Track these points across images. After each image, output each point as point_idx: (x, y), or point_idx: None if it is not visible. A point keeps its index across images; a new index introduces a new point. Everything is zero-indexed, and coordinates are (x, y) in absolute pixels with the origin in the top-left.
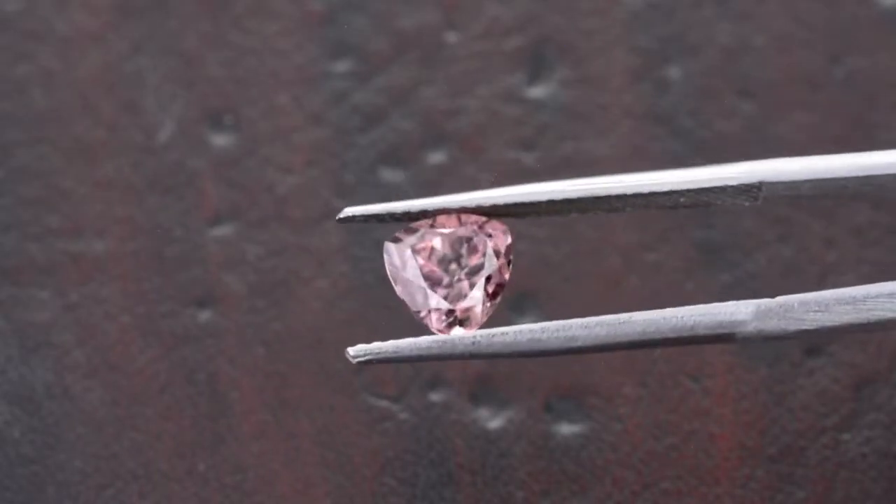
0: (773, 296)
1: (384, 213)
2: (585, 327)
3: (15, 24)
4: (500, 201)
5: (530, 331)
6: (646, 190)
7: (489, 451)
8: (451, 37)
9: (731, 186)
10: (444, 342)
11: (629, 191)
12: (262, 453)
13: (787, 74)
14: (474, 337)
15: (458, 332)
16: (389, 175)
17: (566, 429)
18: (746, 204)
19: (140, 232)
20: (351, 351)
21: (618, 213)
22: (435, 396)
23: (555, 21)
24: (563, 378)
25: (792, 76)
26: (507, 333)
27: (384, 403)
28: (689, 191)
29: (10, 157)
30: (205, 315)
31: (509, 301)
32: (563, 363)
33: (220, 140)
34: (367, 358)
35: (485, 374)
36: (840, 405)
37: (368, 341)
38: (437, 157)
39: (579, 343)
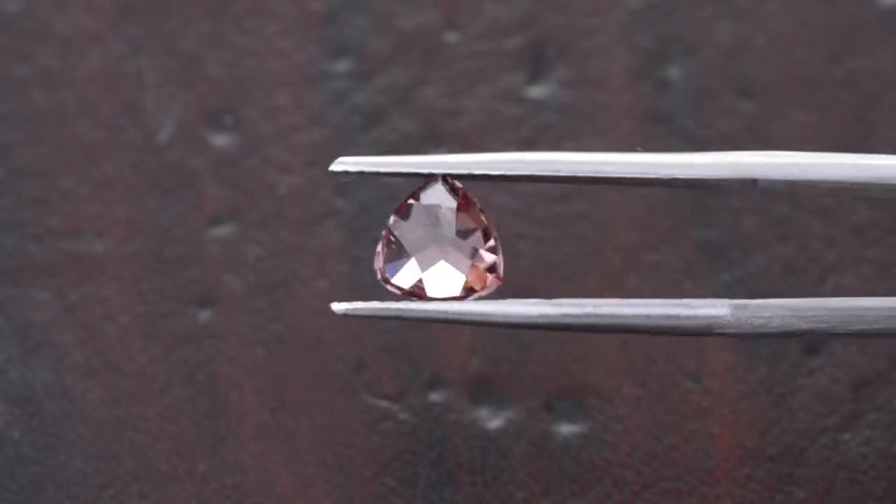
0: (773, 295)
1: (378, 169)
2: (562, 305)
3: (15, 24)
4: (501, 169)
5: (503, 304)
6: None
7: (489, 451)
8: (451, 37)
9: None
10: (419, 308)
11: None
12: (262, 453)
13: (787, 74)
14: (448, 305)
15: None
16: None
17: (566, 429)
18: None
19: (140, 232)
20: (335, 306)
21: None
22: (435, 396)
23: (555, 21)
24: (563, 378)
25: (792, 76)
26: (479, 304)
27: (384, 403)
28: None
29: (10, 157)
30: (205, 315)
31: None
32: (564, 363)
33: (220, 140)
34: (351, 312)
35: (485, 374)
36: (840, 405)
37: (369, 340)
38: None
39: (552, 320)
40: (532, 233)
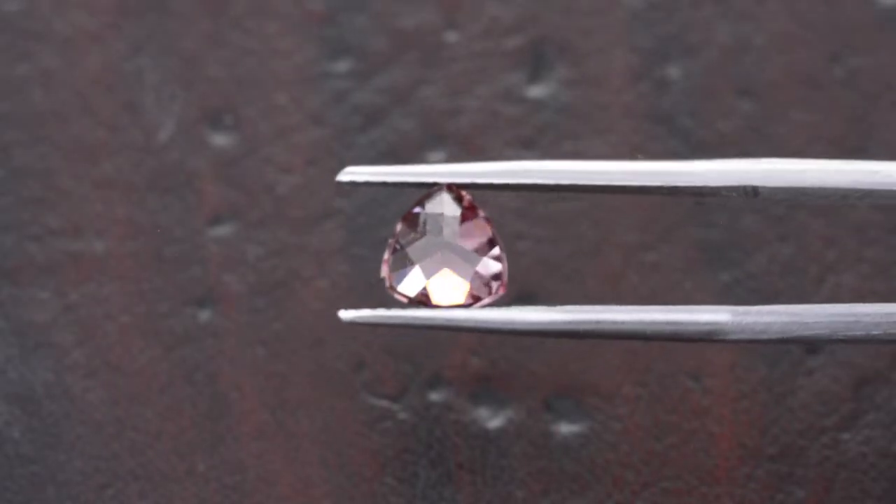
0: (773, 295)
1: (384, 179)
2: (566, 312)
3: (15, 24)
4: (505, 179)
5: (507, 311)
6: (647, 176)
7: (489, 451)
8: (451, 37)
9: (728, 186)
10: (425, 316)
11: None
12: (262, 453)
13: (787, 74)
14: (454, 312)
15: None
16: None
17: (566, 428)
18: (738, 197)
19: (140, 232)
20: (343, 314)
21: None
22: (435, 396)
23: (555, 21)
24: (563, 378)
25: (792, 76)
26: (483, 311)
27: (384, 403)
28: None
29: (10, 157)
30: (205, 315)
31: (510, 301)
32: (563, 363)
33: (220, 140)
34: (358, 320)
35: (485, 373)
36: (840, 405)
37: (369, 340)
38: (437, 157)
39: (556, 327)
40: (532, 232)
